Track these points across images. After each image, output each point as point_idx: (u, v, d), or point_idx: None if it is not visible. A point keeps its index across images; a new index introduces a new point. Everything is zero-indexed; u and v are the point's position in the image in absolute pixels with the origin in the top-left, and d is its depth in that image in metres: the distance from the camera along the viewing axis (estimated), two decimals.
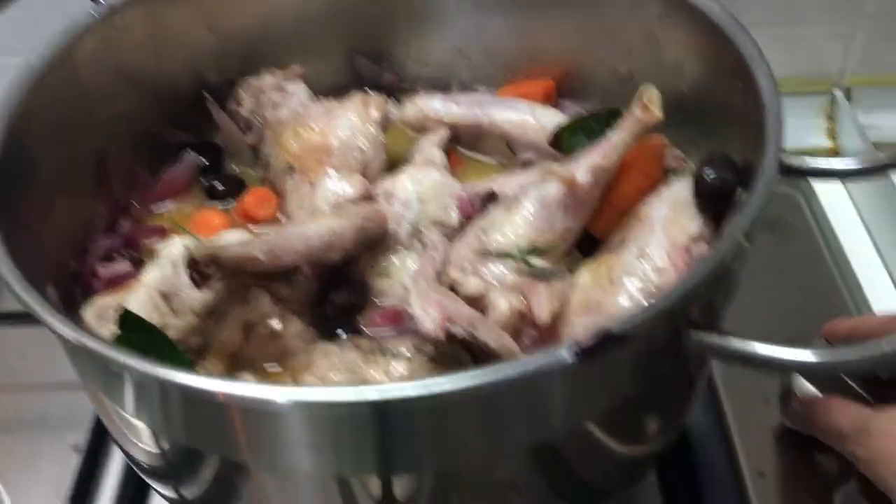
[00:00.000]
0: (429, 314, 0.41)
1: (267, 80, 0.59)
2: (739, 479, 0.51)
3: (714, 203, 0.46)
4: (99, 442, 0.59)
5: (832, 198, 0.70)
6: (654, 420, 0.43)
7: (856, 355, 0.35)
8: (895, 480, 0.39)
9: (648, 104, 0.48)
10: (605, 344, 0.33)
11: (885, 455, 0.40)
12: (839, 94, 0.79)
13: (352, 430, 0.34)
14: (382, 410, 0.33)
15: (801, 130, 0.76)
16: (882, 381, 0.44)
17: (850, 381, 0.47)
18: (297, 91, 0.59)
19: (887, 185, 0.66)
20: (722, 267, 0.37)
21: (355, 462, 0.36)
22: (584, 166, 0.48)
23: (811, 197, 0.70)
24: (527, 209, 0.47)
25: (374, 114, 0.55)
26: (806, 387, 0.50)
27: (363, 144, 0.54)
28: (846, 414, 0.43)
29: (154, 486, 0.47)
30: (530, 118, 0.56)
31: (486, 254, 0.47)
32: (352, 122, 0.55)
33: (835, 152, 0.77)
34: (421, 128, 0.59)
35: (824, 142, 0.78)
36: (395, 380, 0.43)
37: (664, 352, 0.38)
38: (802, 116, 0.77)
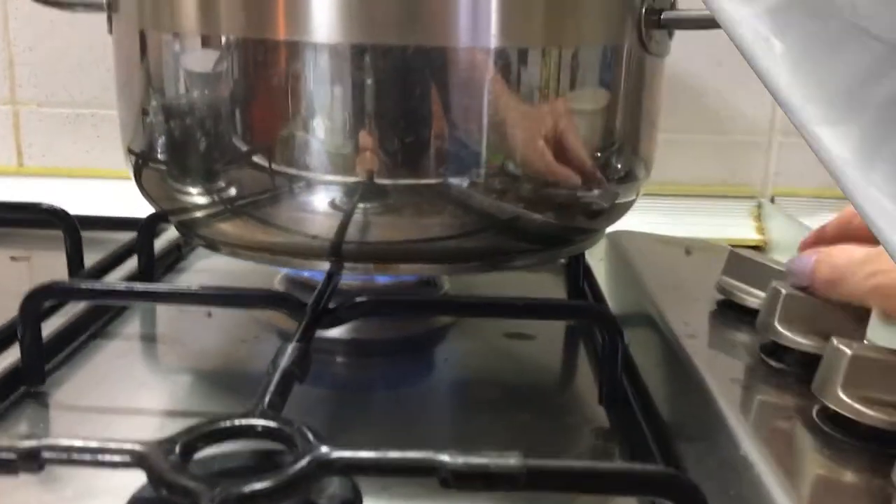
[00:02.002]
0: None
1: None
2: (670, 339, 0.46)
3: None
4: None
5: None
6: None
7: None
8: None
9: None
10: None
11: None
12: (765, 201, 0.84)
13: None
14: None
15: (730, 228, 0.82)
16: None
17: None
18: None
19: None
20: None
21: None
22: None
23: None
24: None
25: None
26: None
27: None
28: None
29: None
30: None
31: None
32: None
33: (765, 242, 0.81)
34: None
35: (754, 235, 0.81)
36: None
37: None
38: (733, 216, 0.84)
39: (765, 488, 0.32)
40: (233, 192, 0.44)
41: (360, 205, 0.43)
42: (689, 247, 0.66)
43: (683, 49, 0.77)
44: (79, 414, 0.43)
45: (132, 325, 0.54)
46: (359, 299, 0.43)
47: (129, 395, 0.45)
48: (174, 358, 0.50)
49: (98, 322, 0.52)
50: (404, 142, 0.42)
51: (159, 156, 0.46)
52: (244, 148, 0.43)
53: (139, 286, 0.45)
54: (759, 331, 0.44)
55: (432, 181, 0.43)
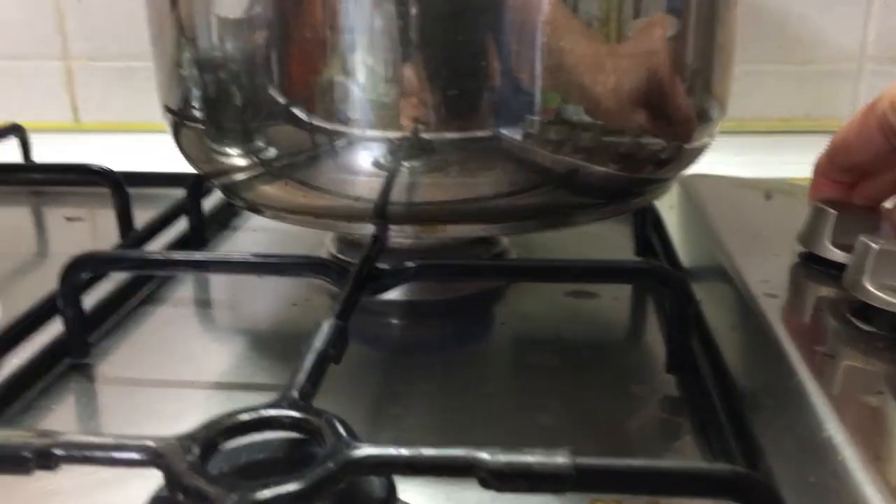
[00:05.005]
0: None
1: None
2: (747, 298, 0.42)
3: None
4: None
5: None
6: None
7: None
8: None
9: None
10: None
11: None
12: None
13: None
14: None
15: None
16: None
17: None
18: None
19: None
20: None
21: None
22: None
23: None
24: None
25: None
26: None
27: None
28: None
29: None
30: None
31: None
32: None
33: None
34: None
35: None
36: None
37: None
38: (818, 153, 0.74)
39: (850, 477, 0.29)
40: (272, 152, 0.42)
41: (405, 163, 0.40)
42: (769, 190, 0.61)
43: None
44: (125, 387, 0.41)
45: (181, 290, 0.52)
46: (406, 264, 0.41)
47: (177, 366, 0.43)
48: (223, 324, 0.48)
49: (145, 288, 0.51)
50: (449, 92, 0.39)
51: (196, 113, 0.44)
52: (282, 101, 0.40)
53: (179, 255, 0.43)
54: (847, 290, 0.40)
55: (483, 133, 0.40)
